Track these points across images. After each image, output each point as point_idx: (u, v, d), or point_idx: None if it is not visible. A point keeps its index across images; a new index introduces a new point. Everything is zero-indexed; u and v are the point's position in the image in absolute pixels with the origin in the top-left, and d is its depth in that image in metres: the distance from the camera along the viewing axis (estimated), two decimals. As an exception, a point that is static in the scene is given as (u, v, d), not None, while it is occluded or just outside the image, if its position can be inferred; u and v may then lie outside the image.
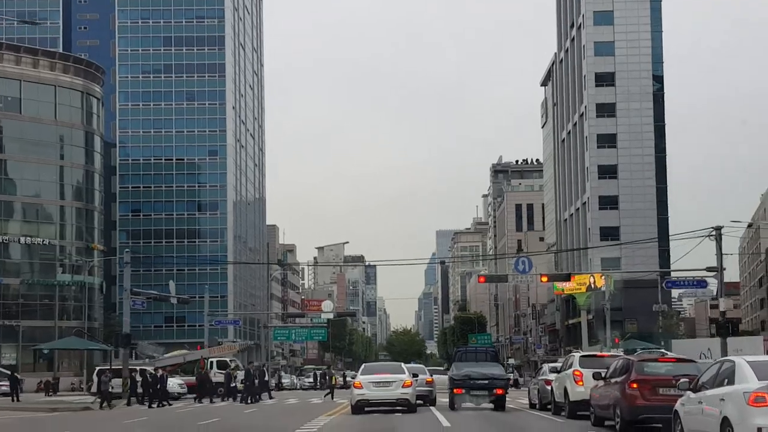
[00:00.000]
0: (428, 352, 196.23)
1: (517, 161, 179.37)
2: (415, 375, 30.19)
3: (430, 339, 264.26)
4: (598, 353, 28.70)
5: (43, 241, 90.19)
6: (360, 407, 27.57)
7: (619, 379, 19.24)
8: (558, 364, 32.17)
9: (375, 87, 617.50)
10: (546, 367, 32.01)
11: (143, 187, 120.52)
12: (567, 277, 47.69)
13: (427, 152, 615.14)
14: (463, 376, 29.06)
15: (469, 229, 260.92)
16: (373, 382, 27.66)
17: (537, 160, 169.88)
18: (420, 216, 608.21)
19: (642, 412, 18.36)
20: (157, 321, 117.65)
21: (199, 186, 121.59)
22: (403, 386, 27.62)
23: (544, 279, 49.82)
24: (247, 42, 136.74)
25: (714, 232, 36.84)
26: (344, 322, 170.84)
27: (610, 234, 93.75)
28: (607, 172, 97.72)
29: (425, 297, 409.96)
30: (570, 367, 24.88)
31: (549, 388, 27.87)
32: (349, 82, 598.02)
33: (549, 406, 28.03)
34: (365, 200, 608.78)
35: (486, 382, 28.88)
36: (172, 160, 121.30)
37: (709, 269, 38.18)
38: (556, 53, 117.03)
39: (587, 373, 22.97)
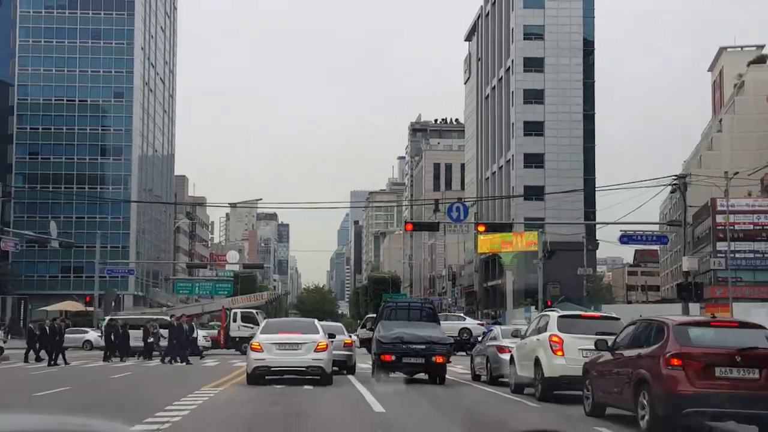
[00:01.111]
0: (340, 312, 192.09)
1: (436, 120, 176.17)
2: (331, 336, 23.33)
3: (342, 300, 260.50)
4: (585, 313, 21.74)
5: None
6: (258, 376, 21.63)
7: (646, 351, 13.23)
8: (515, 327, 27.81)
9: (291, 44, 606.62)
10: (498, 330, 26.41)
11: (42, 128, 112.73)
12: (508, 228, 42.83)
13: (343, 111, 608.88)
14: (394, 339, 23.36)
15: (384, 189, 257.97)
16: (276, 343, 21.48)
17: (457, 119, 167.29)
18: (334, 176, 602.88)
19: (689, 403, 12.25)
20: (53, 270, 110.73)
21: (102, 129, 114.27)
22: (316, 350, 21.49)
23: (482, 228, 45.42)
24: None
25: (677, 181, 33.03)
26: (254, 278, 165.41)
27: (534, 194, 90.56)
28: (534, 129, 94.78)
29: (337, 257, 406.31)
30: (544, 330, 18.50)
31: (503, 357, 22.68)
32: (265, 38, 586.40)
33: (502, 380, 22.93)
34: (279, 159, 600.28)
35: (423, 347, 23.22)
36: (74, 101, 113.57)
37: (671, 223, 34.42)
38: (482, 6, 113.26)
39: (569, 339, 17.57)
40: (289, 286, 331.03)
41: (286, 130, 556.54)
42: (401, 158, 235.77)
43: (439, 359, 23.27)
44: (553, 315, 18.81)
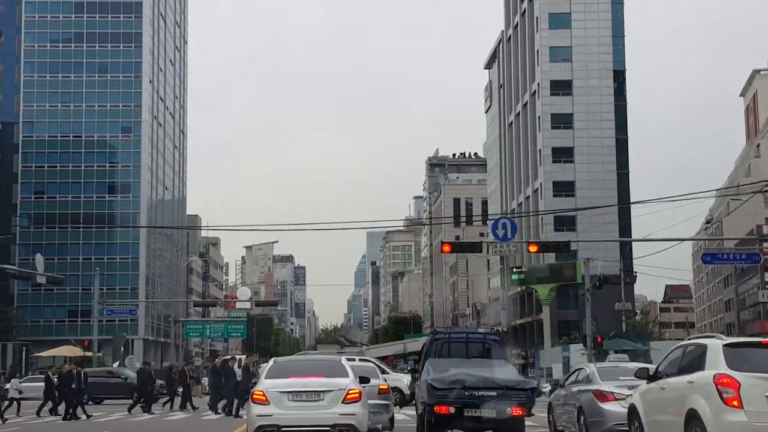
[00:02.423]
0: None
1: (454, 155, 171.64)
2: (363, 380, 17.11)
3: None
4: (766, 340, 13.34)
5: None
6: None
7: None
8: (611, 364, 21.24)
9: (302, 84, 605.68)
10: (593, 369, 18.93)
11: (48, 166, 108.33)
12: (566, 247, 36.86)
13: (357, 153, 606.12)
14: (452, 383, 16.90)
15: (401, 229, 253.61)
16: (288, 392, 15.36)
17: (475, 153, 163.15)
18: (349, 217, 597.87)
19: None
20: (60, 315, 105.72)
21: (110, 166, 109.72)
22: (345, 400, 15.42)
23: (534, 248, 39.65)
24: (169, 13, 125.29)
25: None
26: (270, 320, 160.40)
27: (565, 224, 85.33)
28: (563, 155, 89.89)
29: (355, 299, 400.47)
30: (697, 366, 11.89)
31: (608, 408, 16.60)
32: (276, 77, 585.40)
33: None
34: (293, 200, 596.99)
35: (493, 393, 16.63)
36: (81, 137, 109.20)
37: (762, 237, 28.95)
38: (503, 31, 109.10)
39: (750, 381, 10.98)
40: (306, 328, 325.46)
41: (301, 171, 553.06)
42: (417, 198, 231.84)
43: (517, 411, 16.57)
44: (714, 344, 11.94)
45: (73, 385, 30.04)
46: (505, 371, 17.51)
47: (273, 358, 17.95)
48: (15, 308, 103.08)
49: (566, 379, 20.17)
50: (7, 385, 32.49)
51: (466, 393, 16.51)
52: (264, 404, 15.15)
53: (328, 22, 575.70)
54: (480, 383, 16.65)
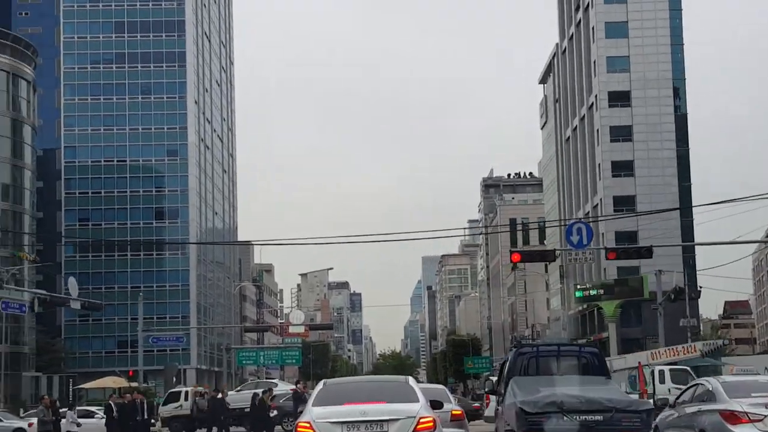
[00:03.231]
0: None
1: (509, 175, 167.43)
2: (436, 405, 13.70)
3: (419, 368, 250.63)
4: None
5: None
6: None
7: None
8: (739, 378, 17.50)
9: (350, 108, 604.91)
10: (716, 384, 15.05)
11: (92, 192, 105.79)
12: (648, 252, 32.55)
13: (409, 176, 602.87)
14: (547, 406, 13.57)
15: (456, 253, 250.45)
16: (344, 422, 12.17)
17: (531, 173, 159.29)
18: (404, 242, 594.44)
19: None
20: (109, 346, 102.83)
21: (156, 191, 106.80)
22: (415, 431, 12.19)
23: (612, 256, 35.37)
24: (213, 32, 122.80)
25: None
26: (326, 347, 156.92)
27: (626, 239, 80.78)
28: (622, 169, 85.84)
29: (411, 324, 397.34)
30: None
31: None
32: (324, 101, 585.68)
33: None
34: (347, 226, 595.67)
35: (598, 418, 13.38)
36: (125, 161, 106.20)
37: None
38: (557, 44, 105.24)
39: None
40: (364, 355, 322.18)
41: (353, 198, 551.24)
42: (472, 221, 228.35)
43: None
44: None
45: (138, 417, 26.58)
46: (608, 390, 14.24)
47: (323, 381, 13.70)
48: (62, 340, 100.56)
49: (678, 398, 17.05)
50: (63, 420, 28.94)
51: (565, 418, 13.29)
52: None
53: (374, 42, 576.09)
54: (582, 405, 13.45)
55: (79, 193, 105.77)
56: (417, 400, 12.55)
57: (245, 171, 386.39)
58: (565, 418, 13.26)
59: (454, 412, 17.18)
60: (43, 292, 53.14)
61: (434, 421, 12.27)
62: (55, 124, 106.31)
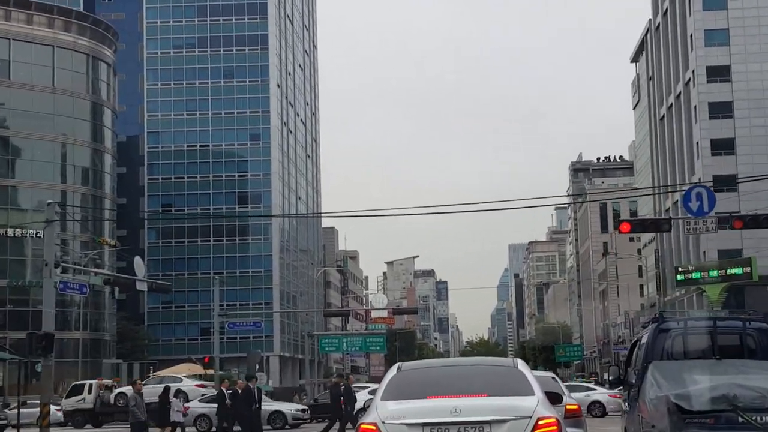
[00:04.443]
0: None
1: (598, 159, 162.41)
2: (554, 399, 9.90)
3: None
4: None
5: (36, 233, 69.82)
6: None
7: None
8: None
9: (438, 97, 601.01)
10: None
11: (175, 178, 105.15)
12: None
13: (495, 165, 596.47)
14: (715, 401, 10.13)
15: (544, 239, 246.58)
16: (425, 424, 8.40)
17: (621, 156, 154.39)
18: (491, 229, 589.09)
19: None
20: (192, 333, 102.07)
21: (239, 176, 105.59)
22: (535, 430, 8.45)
23: (739, 224, 31.74)
24: (296, 16, 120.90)
25: None
26: (412, 334, 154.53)
27: (728, 221, 75.93)
28: (723, 147, 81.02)
29: (498, 313, 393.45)
30: None
31: None
32: (411, 92, 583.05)
33: None
34: (433, 214, 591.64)
35: None
36: (208, 146, 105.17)
37: None
38: (650, 19, 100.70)
39: None
40: (450, 344, 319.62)
41: (437, 187, 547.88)
42: (560, 208, 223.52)
43: None
44: None
45: (255, 406, 24.50)
46: None
47: (397, 364, 9.79)
48: (145, 327, 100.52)
49: None
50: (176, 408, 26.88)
51: (741, 419, 9.72)
52: None
53: (457, 29, 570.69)
54: (765, 401, 9.85)
55: (162, 179, 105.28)
56: (532, 393, 8.89)
57: (329, 157, 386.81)
58: (740, 419, 9.86)
59: (569, 407, 13.12)
60: (106, 272, 51.88)
61: (558, 423, 8.60)
62: (138, 110, 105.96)
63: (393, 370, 9.48)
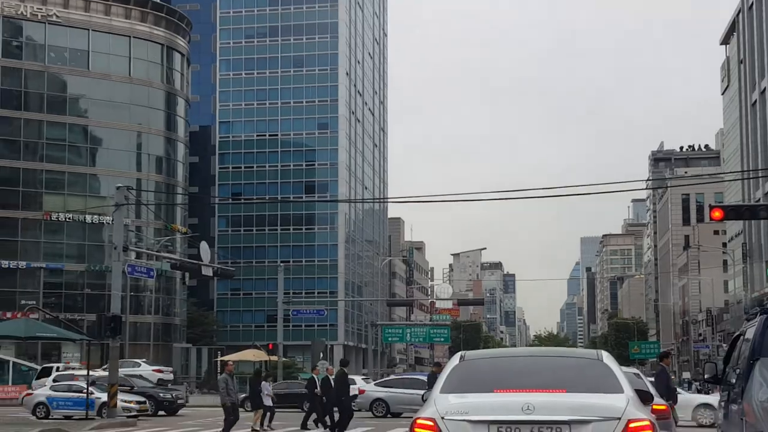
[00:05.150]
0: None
1: (681, 148, 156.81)
2: (644, 398, 8.22)
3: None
4: None
5: (111, 220, 73.72)
6: None
7: None
8: None
9: (510, 86, 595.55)
10: None
11: (245, 167, 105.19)
12: None
13: (567, 156, 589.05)
14: None
15: (619, 232, 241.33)
16: (493, 422, 7.07)
17: (707, 145, 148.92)
18: (562, 222, 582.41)
19: None
20: (258, 320, 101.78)
21: (307, 165, 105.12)
22: None
23: None
24: (366, 3, 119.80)
25: None
26: (478, 327, 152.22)
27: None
28: (822, 134, 77.14)
29: (568, 307, 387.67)
30: None
31: None
32: (483, 81, 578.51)
33: None
34: (502, 206, 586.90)
35: None
36: (277, 135, 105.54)
37: None
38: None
39: None
40: (517, 338, 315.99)
41: (509, 178, 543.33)
42: (636, 200, 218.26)
43: None
44: None
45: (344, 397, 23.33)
46: None
47: (459, 353, 8.55)
48: (214, 313, 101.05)
49: None
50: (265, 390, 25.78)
51: None
52: None
53: (530, 14, 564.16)
54: None
55: (233, 168, 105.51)
56: (620, 390, 7.50)
57: (396, 147, 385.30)
58: None
59: (656, 407, 11.38)
60: (174, 256, 51.29)
61: (653, 427, 7.17)
62: (211, 100, 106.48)
63: (455, 360, 8.32)
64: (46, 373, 43.18)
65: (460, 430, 7.13)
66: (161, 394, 35.23)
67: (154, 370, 38.11)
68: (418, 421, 7.39)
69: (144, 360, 51.65)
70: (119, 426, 26.62)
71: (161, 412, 33.78)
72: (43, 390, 33.03)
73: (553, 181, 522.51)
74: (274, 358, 57.56)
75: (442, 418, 7.21)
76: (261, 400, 25.23)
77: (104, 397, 30.04)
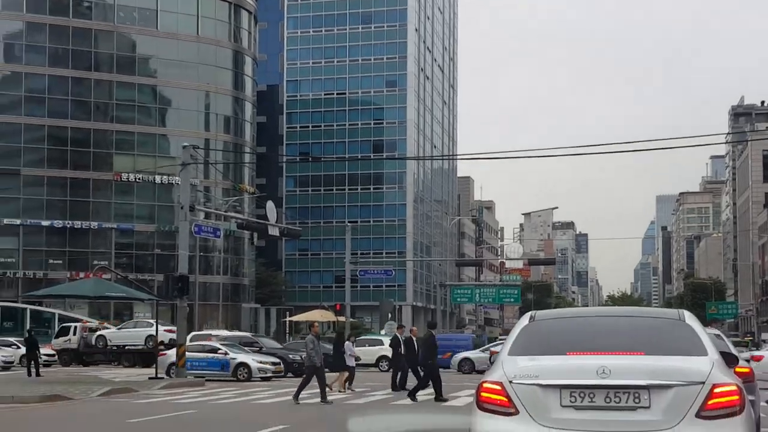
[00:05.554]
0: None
1: (762, 102, 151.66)
2: (729, 359, 7.35)
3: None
4: None
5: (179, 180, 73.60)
6: None
7: None
8: None
9: (586, 41, 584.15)
10: None
11: (312, 126, 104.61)
12: None
13: (644, 111, 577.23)
14: None
15: (697, 190, 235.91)
16: (565, 386, 6.51)
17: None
18: (636, 180, 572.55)
19: None
20: (327, 281, 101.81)
21: (375, 123, 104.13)
22: (705, 409, 6.33)
23: None
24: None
25: None
26: (549, 287, 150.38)
27: None
28: None
29: (642, 267, 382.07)
30: None
31: None
32: (557, 38, 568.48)
33: None
34: (575, 165, 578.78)
35: None
36: (345, 94, 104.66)
37: None
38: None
39: None
40: (589, 298, 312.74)
41: (580, 139, 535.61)
42: (715, 157, 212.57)
43: None
44: None
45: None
46: None
47: (529, 313, 7.87)
48: (283, 273, 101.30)
49: None
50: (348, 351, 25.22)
51: None
52: (504, 414, 6.66)
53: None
54: None
55: (300, 128, 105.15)
56: (704, 353, 6.81)
57: (466, 106, 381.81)
58: None
59: (739, 371, 9.29)
60: (241, 216, 51.11)
61: (741, 392, 6.50)
62: (278, 58, 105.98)
63: (525, 320, 7.70)
64: (64, 332, 43.80)
65: (529, 394, 6.61)
66: (290, 356, 34.83)
67: (165, 330, 37.93)
68: (485, 385, 6.91)
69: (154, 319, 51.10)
70: (187, 386, 26.52)
71: (289, 374, 32.88)
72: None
73: (629, 136, 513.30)
74: (341, 318, 57.27)
75: (510, 381, 6.72)
76: (344, 360, 24.67)
77: (240, 357, 30.33)
